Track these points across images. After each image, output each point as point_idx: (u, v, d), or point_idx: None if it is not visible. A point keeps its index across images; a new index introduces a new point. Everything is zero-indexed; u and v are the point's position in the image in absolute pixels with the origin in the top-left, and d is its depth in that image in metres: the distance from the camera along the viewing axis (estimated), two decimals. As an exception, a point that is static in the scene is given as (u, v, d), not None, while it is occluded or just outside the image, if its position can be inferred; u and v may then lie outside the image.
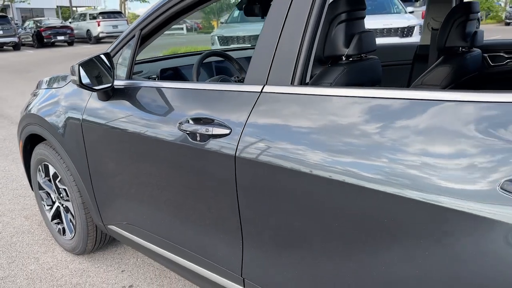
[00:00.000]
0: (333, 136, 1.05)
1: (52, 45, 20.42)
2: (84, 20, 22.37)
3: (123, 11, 29.40)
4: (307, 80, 1.22)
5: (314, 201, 1.09)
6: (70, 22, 23.66)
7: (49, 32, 20.01)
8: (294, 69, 1.19)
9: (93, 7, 42.48)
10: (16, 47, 19.25)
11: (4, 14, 21.57)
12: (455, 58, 1.77)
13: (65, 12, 44.26)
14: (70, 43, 20.68)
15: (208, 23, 27.94)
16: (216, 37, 8.57)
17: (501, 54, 2.08)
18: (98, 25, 20.71)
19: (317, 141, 1.08)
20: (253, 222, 1.27)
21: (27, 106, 2.35)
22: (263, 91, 1.24)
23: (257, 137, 1.20)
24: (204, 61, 2.13)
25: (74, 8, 38.71)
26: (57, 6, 45.15)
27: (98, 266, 2.30)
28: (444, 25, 1.77)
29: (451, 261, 0.86)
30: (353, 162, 1.00)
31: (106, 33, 20.57)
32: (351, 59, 1.40)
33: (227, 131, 1.27)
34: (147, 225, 1.75)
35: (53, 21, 22.61)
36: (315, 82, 1.38)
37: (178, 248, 1.62)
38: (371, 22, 8.79)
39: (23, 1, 30.86)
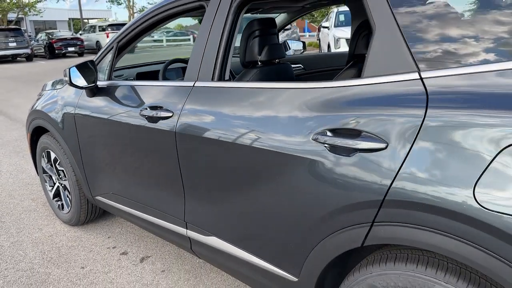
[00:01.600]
0: (234, 113, 1.56)
1: (63, 56, 21.27)
2: (94, 32, 23.26)
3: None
4: (226, 77, 1.73)
5: (224, 160, 1.59)
6: (80, 34, 24.58)
7: (60, 44, 20.86)
8: (214, 70, 1.70)
9: (104, 19, 43.70)
10: (29, 58, 20.11)
11: (17, 27, 22.50)
12: (362, 63, 2.28)
13: (77, 24, 45.54)
14: (80, 54, 21.51)
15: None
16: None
17: None
18: (107, 36, 21.51)
19: (225, 117, 1.59)
20: (190, 179, 1.78)
21: (34, 105, 2.90)
22: (194, 85, 1.75)
23: (189, 117, 1.72)
24: (174, 66, 2.66)
25: (85, 20, 39.90)
26: (69, 19, 46.52)
27: (89, 233, 2.82)
28: (353, 37, 2.28)
29: (291, 187, 1.36)
30: (242, 129, 1.51)
31: (115, 44, 21.32)
32: (264, 63, 1.91)
33: (170, 114, 1.79)
34: (123, 192, 2.27)
35: (64, 33, 23.51)
36: (239, 80, 1.89)
37: (143, 206, 2.13)
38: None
39: (36, 14, 31.97)
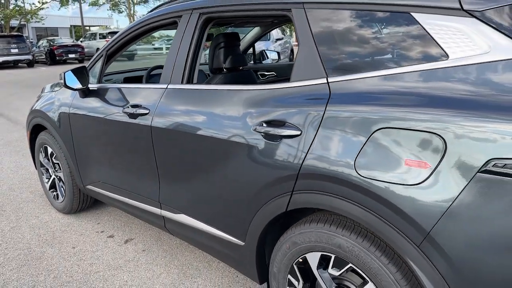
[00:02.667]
0: (198, 110, 1.91)
1: (64, 62, 21.68)
2: (95, 39, 23.72)
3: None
4: (194, 80, 2.08)
5: (189, 148, 1.94)
6: (81, 41, 25.04)
7: (61, 50, 21.29)
8: (183, 74, 2.06)
9: (105, 27, 44.27)
10: (30, 64, 20.53)
11: (19, 33, 22.96)
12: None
13: (78, 31, 46.05)
14: (81, 61, 21.91)
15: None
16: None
17: None
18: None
19: (191, 113, 1.94)
20: (163, 165, 2.13)
21: (34, 105, 3.25)
22: (167, 87, 2.11)
23: (162, 114, 2.07)
24: (157, 72, 3.02)
25: (87, 27, 40.48)
26: (71, 26, 47.10)
27: (81, 220, 3.16)
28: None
29: (238, 168, 1.71)
30: (203, 123, 1.86)
31: (115, 51, 21.76)
32: (228, 70, 2.27)
33: (147, 111, 2.14)
34: (110, 180, 2.61)
35: (65, 40, 23.98)
36: (206, 83, 2.25)
37: (126, 192, 2.48)
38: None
39: (38, 21, 32.46)
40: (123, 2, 33.74)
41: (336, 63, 1.48)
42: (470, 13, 1.22)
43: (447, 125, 1.16)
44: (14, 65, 20.45)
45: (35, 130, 3.34)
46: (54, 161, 3.16)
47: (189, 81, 2.07)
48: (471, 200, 1.12)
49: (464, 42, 1.22)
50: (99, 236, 2.90)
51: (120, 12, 34.40)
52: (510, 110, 1.09)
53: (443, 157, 1.16)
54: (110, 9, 33.89)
